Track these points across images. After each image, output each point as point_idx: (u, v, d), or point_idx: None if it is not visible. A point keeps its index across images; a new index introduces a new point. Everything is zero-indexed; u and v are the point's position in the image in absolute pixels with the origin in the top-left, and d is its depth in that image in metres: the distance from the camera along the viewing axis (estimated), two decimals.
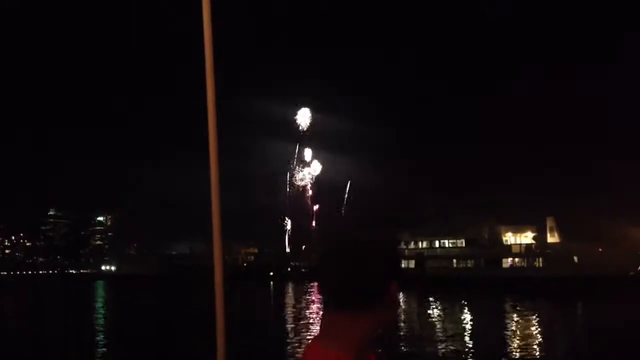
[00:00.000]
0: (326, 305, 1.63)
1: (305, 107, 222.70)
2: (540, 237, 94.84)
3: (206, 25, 3.05)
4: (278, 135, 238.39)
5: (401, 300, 62.82)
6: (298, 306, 59.09)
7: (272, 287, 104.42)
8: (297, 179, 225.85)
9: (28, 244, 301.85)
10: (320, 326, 1.65)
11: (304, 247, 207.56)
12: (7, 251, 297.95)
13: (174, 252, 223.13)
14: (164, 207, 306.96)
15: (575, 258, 77.26)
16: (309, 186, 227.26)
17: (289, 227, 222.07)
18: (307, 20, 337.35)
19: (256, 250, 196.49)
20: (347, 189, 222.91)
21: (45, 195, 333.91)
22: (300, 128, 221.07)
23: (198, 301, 60.83)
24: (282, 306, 60.89)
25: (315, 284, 1.64)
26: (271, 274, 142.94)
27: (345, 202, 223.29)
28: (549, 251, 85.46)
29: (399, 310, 35.64)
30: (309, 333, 35.41)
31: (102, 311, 61.38)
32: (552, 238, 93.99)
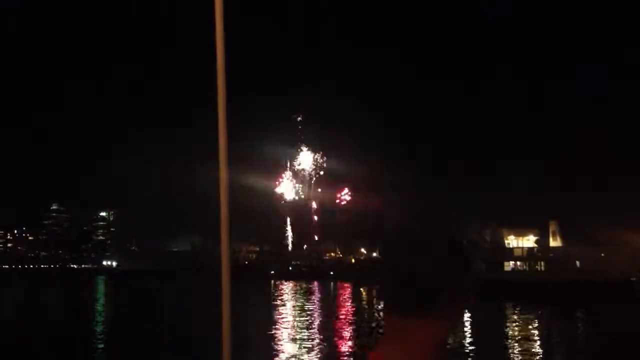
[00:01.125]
0: (395, 308, 1.45)
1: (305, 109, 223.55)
2: (542, 241, 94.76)
3: (218, 29, 3.06)
4: (280, 131, 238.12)
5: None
6: (297, 305, 59.11)
7: (272, 286, 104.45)
8: (298, 174, 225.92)
9: (30, 237, 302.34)
10: (386, 333, 1.47)
11: (305, 246, 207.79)
12: (9, 245, 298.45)
13: (175, 249, 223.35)
14: (166, 204, 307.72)
15: (577, 262, 77.15)
16: (312, 183, 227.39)
17: (290, 226, 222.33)
18: (307, 20, 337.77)
19: (257, 248, 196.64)
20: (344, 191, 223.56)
21: (49, 190, 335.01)
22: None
23: (198, 299, 61.03)
24: (281, 304, 60.89)
25: (377, 287, 1.52)
26: (272, 272, 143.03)
27: (340, 201, 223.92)
28: (551, 255, 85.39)
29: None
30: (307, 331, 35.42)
31: (101, 308, 61.49)
32: (554, 242, 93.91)
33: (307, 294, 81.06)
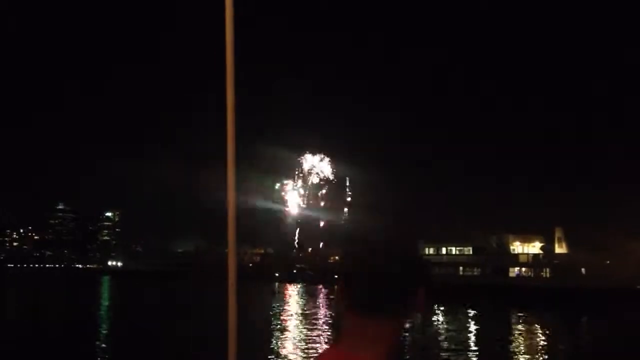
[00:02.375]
0: (351, 309, 1.56)
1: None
2: (548, 247, 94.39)
3: (228, 32, 3.07)
4: (286, 134, 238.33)
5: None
6: (304, 308, 59.04)
7: (276, 288, 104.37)
8: (305, 177, 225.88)
9: (36, 237, 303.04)
10: (343, 331, 1.58)
11: (310, 249, 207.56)
12: (15, 244, 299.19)
13: (179, 250, 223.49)
14: (170, 205, 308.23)
15: (583, 269, 76.83)
16: (318, 189, 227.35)
17: (296, 229, 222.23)
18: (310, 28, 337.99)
19: (262, 251, 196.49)
20: (348, 190, 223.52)
21: (55, 190, 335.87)
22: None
23: (202, 300, 61.06)
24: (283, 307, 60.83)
25: (336, 286, 1.58)
26: (277, 274, 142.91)
27: (348, 204, 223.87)
28: (556, 261, 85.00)
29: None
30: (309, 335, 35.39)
31: (105, 307, 61.59)
32: (560, 248, 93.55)
33: (300, 296, 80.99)
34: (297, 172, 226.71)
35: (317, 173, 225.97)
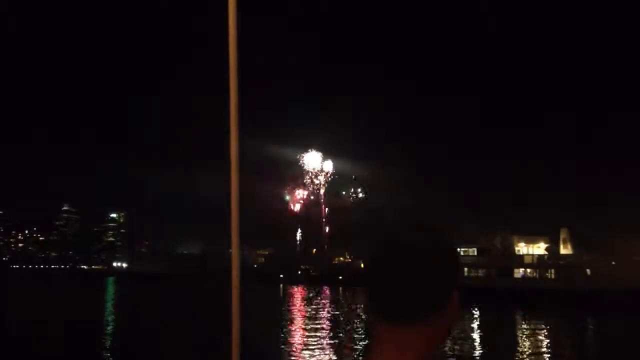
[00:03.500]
0: (381, 317, 1.42)
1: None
2: (553, 249, 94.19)
3: (231, 29, 3.05)
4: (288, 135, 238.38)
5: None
6: (307, 309, 59.04)
7: (281, 289, 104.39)
8: (309, 177, 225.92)
9: (41, 238, 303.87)
10: (375, 342, 1.44)
11: (314, 250, 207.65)
12: (20, 245, 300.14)
13: (185, 251, 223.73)
14: (176, 206, 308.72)
15: (588, 270, 76.62)
16: (321, 189, 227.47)
17: (299, 229, 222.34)
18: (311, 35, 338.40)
19: (267, 252, 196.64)
20: (354, 189, 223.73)
21: (60, 191, 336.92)
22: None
23: (207, 302, 61.09)
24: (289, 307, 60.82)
25: (365, 292, 1.49)
26: (281, 276, 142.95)
27: (352, 201, 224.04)
28: (561, 263, 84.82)
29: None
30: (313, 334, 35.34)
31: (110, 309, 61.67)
32: (565, 250, 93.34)
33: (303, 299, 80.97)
34: (300, 170, 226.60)
35: (322, 171, 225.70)
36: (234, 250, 3.03)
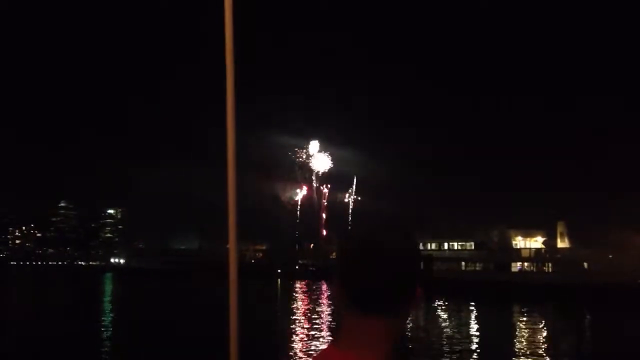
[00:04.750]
0: (349, 308, 1.53)
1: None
2: (550, 242, 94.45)
3: (227, 27, 3.05)
4: (288, 130, 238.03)
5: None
6: (304, 305, 59.08)
7: (279, 285, 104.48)
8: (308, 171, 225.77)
9: (38, 234, 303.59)
10: (341, 330, 1.55)
11: (312, 245, 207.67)
12: (17, 241, 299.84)
13: (182, 247, 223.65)
14: (173, 202, 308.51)
15: (585, 264, 76.78)
16: (319, 185, 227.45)
17: (297, 225, 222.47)
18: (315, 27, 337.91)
19: (264, 247, 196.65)
20: (354, 187, 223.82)
21: (57, 187, 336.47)
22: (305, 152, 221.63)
23: (204, 297, 61.14)
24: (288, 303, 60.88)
25: (332, 284, 1.52)
26: (279, 271, 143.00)
27: (352, 198, 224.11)
28: (558, 256, 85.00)
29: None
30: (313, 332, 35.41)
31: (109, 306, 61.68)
32: (562, 243, 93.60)
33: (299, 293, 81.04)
34: (297, 165, 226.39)
35: (318, 165, 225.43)
36: (231, 245, 3.03)
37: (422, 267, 1.61)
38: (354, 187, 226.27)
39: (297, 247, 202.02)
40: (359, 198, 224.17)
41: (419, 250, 1.62)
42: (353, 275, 1.51)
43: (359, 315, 1.51)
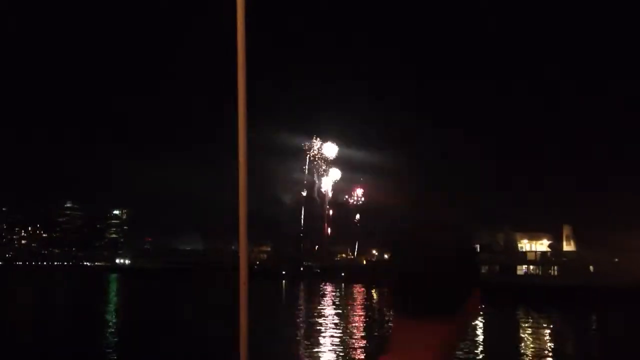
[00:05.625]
0: (405, 315, 1.45)
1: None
2: (556, 245, 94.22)
3: (240, 26, 3.03)
4: (295, 132, 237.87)
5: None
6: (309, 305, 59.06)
7: (284, 286, 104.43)
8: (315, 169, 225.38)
9: (44, 235, 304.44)
10: (395, 339, 1.47)
11: (317, 247, 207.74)
12: (23, 242, 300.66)
13: (188, 248, 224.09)
14: (177, 202, 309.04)
15: (591, 267, 76.57)
16: (324, 187, 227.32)
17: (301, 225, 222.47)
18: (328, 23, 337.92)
19: (269, 249, 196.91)
20: (359, 190, 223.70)
21: (62, 188, 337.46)
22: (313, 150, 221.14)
23: (210, 298, 61.14)
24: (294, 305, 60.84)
25: (386, 288, 1.46)
26: (283, 272, 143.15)
27: (356, 202, 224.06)
28: (564, 259, 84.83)
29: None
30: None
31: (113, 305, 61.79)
32: (568, 246, 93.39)
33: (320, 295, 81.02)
34: (304, 164, 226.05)
35: (325, 160, 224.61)
36: (242, 247, 3.02)
37: (477, 266, 1.47)
38: (358, 194, 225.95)
39: (301, 247, 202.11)
40: (363, 199, 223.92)
41: (476, 252, 1.53)
42: (407, 278, 1.43)
43: (410, 320, 1.44)
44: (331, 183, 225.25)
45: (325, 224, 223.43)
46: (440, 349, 1.43)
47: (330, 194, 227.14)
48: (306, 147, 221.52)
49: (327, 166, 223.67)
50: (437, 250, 1.42)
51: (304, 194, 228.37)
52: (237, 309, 2.97)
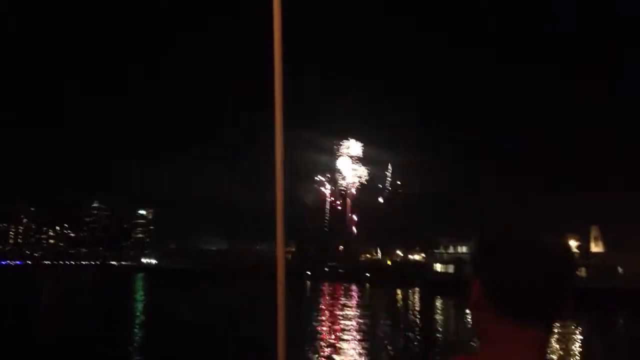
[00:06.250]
0: (497, 314, 1.38)
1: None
2: (583, 247, 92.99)
3: (276, 26, 3.04)
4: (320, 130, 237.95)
5: (439, 307, 62.26)
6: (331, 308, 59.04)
7: (308, 287, 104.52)
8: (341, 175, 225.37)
9: (72, 234, 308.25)
10: (487, 339, 1.41)
11: (341, 247, 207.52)
12: (51, 241, 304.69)
13: (213, 248, 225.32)
14: (203, 203, 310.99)
15: (620, 269, 75.46)
16: (351, 188, 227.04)
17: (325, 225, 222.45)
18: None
19: (294, 249, 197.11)
20: (389, 174, 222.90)
21: (90, 188, 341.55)
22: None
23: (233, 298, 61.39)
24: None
25: (478, 286, 1.46)
26: (308, 273, 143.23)
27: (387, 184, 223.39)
28: (592, 261, 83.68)
29: None
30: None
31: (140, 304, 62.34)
32: (596, 247, 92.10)
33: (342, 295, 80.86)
34: (330, 162, 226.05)
35: (351, 158, 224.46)
36: (279, 247, 3.04)
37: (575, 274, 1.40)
38: (389, 174, 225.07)
39: (327, 248, 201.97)
40: (398, 189, 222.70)
41: (574, 255, 1.45)
42: (509, 277, 1.36)
43: (509, 322, 1.37)
44: (357, 181, 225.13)
45: (349, 224, 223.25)
46: (539, 352, 1.37)
47: (355, 192, 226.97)
48: (336, 146, 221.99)
49: (353, 164, 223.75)
50: (540, 252, 1.37)
51: (329, 192, 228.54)
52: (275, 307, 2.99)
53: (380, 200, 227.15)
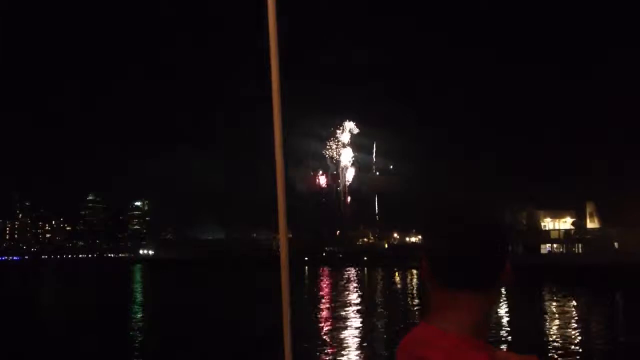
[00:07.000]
0: (436, 284, 1.56)
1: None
2: (579, 223, 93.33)
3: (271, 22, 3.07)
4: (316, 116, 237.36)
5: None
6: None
7: (306, 272, 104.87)
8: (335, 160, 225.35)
9: (68, 228, 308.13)
10: (432, 307, 1.57)
11: (338, 232, 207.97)
12: (48, 235, 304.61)
13: (210, 237, 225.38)
14: (198, 193, 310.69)
15: (616, 244, 75.78)
16: (343, 172, 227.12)
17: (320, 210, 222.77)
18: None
19: (290, 235, 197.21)
20: (374, 153, 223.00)
21: (85, 181, 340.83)
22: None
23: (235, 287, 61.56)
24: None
25: (424, 261, 1.52)
26: (306, 258, 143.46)
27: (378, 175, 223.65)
28: (588, 237, 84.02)
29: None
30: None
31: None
32: (591, 223, 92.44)
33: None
34: (327, 149, 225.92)
35: (344, 144, 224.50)
36: (282, 232, 3.08)
37: (510, 243, 1.55)
38: (373, 153, 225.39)
39: (322, 233, 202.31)
40: (391, 170, 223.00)
41: (506, 224, 1.61)
42: (439, 249, 1.54)
43: (445, 290, 1.54)
44: (351, 167, 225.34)
45: (345, 208, 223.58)
46: (478, 315, 1.53)
47: (349, 178, 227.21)
48: (331, 131, 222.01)
49: (346, 149, 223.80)
50: (469, 226, 1.53)
51: (324, 178, 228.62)
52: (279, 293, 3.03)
53: (375, 182, 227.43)
